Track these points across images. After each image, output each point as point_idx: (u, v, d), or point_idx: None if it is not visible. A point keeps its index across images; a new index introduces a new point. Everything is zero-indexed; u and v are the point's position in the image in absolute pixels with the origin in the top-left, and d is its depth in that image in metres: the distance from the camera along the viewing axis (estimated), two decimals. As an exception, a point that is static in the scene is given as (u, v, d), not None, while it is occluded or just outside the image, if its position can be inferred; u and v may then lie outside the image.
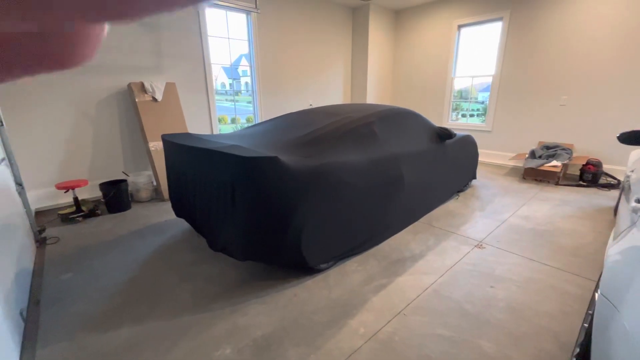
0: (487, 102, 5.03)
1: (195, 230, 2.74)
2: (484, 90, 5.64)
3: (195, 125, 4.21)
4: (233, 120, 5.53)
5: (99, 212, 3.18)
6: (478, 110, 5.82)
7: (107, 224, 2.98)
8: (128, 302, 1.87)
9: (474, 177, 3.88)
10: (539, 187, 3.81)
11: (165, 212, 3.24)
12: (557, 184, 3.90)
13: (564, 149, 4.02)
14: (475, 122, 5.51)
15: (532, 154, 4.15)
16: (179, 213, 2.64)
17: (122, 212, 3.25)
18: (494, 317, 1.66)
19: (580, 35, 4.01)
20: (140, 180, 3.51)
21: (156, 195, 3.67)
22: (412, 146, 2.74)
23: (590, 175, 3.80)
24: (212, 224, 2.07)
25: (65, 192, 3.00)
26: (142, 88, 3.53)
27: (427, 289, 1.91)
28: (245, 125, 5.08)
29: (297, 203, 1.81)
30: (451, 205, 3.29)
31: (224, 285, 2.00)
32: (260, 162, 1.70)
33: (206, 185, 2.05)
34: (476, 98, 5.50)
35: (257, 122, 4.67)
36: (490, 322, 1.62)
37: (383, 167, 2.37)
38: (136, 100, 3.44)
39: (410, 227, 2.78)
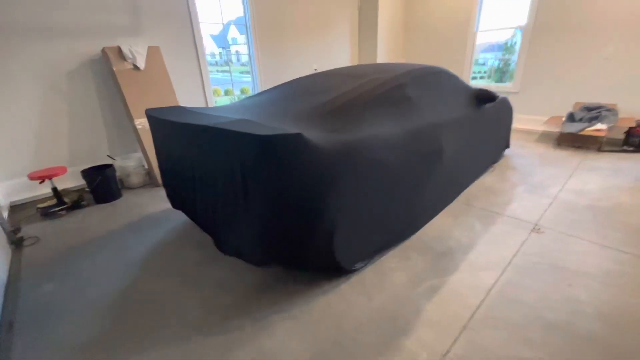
0: (489, 63, 4.42)
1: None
2: (485, 50, 5.06)
3: (187, 97, 3.67)
4: (227, 92, 4.96)
5: (84, 203, 2.76)
6: (480, 72, 5.27)
7: (95, 217, 2.58)
8: (123, 320, 1.51)
9: (508, 146, 3.45)
10: (580, 155, 3.40)
11: (161, 200, 2.82)
12: (599, 150, 3.48)
13: (608, 110, 3.54)
14: (485, 84, 4.96)
15: (571, 117, 3.68)
16: (176, 205, 2.23)
17: (112, 202, 2.83)
18: (586, 329, 1.32)
19: (635, -29, 3.38)
20: (129, 163, 3.05)
21: (149, 180, 3.23)
22: (450, 112, 2.27)
23: (638, 139, 3.37)
24: (219, 221, 1.66)
25: (40, 182, 2.56)
26: (120, 53, 2.95)
27: (490, 290, 1.55)
28: (242, 97, 4.53)
29: (327, 191, 1.40)
30: (487, 179, 2.89)
31: (239, 292, 1.64)
32: (281, 142, 1.26)
33: (208, 172, 1.61)
34: (477, 60, 4.93)
35: (260, 91, 4.12)
36: (585, 337, 1.28)
37: (421, 140, 1.93)
38: (114, 68, 2.89)
39: (447, 209, 2.40)
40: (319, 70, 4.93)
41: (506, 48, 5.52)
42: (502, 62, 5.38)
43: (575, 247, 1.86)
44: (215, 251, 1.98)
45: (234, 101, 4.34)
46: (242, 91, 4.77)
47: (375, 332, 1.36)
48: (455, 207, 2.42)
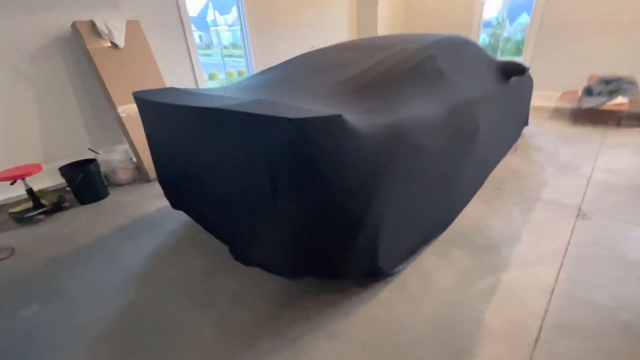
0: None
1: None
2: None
3: (174, 79, 3.27)
4: (211, 77, 4.58)
5: (66, 204, 2.42)
6: None
7: (80, 221, 2.25)
8: (124, 350, 1.25)
9: (527, 124, 3.25)
10: (600, 131, 3.23)
11: (154, 197, 2.51)
12: (618, 125, 3.32)
13: (628, 82, 3.36)
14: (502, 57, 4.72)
15: (588, 91, 3.49)
16: (176, 204, 1.93)
17: (98, 202, 2.50)
18: (678, 333, 1.14)
19: None
20: (114, 157, 2.69)
21: (139, 175, 2.89)
22: (482, 86, 2.03)
23: (659, 112, 3.22)
24: (236, 224, 1.39)
25: (11, 184, 2.20)
26: (94, 29, 2.53)
27: (552, 291, 1.36)
28: (230, 81, 4.15)
29: (374, 185, 1.15)
30: (511, 160, 2.69)
31: (261, 307, 1.40)
32: (318, 126, 0.98)
33: (219, 165, 1.32)
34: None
35: (257, 71, 3.76)
36: (679, 344, 1.10)
37: (458, 118, 1.68)
38: (87, 47, 2.47)
39: (478, 195, 2.19)
40: (316, 47, 4.55)
41: (497, 23, 5.29)
42: (492, 38, 5.19)
43: (630, 233, 1.68)
44: (225, 257, 1.71)
45: (225, 85, 3.95)
46: (229, 74, 4.40)
47: (434, 349, 1.15)
48: (486, 192, 2.21)
